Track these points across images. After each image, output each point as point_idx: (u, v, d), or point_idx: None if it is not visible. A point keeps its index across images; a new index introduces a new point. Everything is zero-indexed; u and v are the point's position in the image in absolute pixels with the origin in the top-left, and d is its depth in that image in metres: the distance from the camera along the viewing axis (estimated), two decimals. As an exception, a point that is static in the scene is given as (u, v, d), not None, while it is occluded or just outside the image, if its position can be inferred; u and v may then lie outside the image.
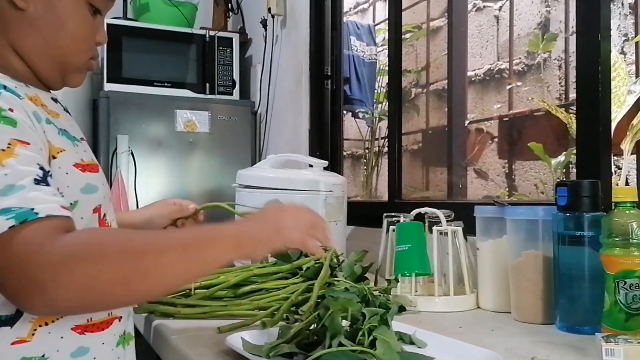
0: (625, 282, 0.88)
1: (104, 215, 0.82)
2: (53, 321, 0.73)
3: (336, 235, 1.48)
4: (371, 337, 0.77)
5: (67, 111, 0.85)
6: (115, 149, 2.22)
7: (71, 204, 0.74)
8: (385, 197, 1.80)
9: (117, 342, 0.81)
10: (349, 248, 1.57)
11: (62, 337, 0.74)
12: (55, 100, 0.83)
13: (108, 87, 2.30)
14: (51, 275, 0.60)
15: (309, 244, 0.76)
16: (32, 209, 0.62)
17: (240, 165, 1.85)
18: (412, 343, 0.87)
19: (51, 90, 0.84)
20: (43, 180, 0.66)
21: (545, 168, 1.58)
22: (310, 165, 1.53)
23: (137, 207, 2.17)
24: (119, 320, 0.82)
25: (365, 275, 1.29)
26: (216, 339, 0.89)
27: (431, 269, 1.16)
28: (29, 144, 0.68)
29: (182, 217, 1.10)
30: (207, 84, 2.47)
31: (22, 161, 0.65)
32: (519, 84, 1.94)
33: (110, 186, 2.16)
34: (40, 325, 0.72)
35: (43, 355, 0.72)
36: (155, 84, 2.39)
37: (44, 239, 0.61)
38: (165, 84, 2.41)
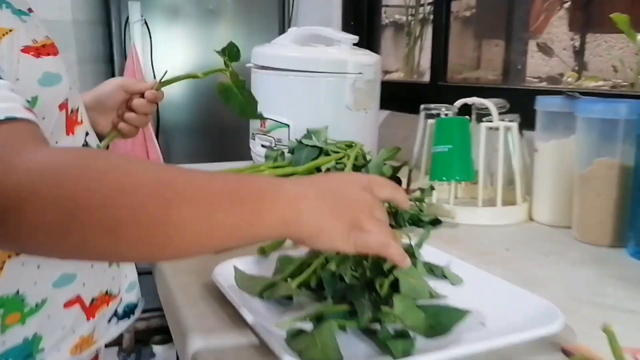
0: None
1: (72, 110, 0.65)
2: None
3: (367, 126, 1.27)
4: (392, 278, 0.61)
5: None
6: (127, 18, 1.99)
7: (28, 101, 0.56)
8: (428, 77, 1.55)
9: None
10: (381, 137, 1.37)
11: (38, 267, 0.61)
12: None
13: (115, -55, 2.02)
14: (15, 201, 0.39)
15: (391, 249, 0.49)
16: None
17: (268, 38, 1.60)
18: (444, 277, 0.70)
19: None
20: None
21: (626, 45, 1.29)
22: (340, 41, 1.28)
23: (155, 84, 1.99)
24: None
25: (397, 175, 1.11)
26: (206, 264, 0.75)
27: (475, 174, 0.96)
28: None
29: (136, 92, 0.88)
30: (227, -60, 2.14)
31: None
32: None
33: (125, 59, 1.97)
34: (9, 257, 0.59)
35: (17, 292, 0.59)
36: (168, -60, 2.09)
37: (5, 148, 0.43)
38: (180, -59, 2.10)
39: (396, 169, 1.09)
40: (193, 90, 2.07)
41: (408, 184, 1.08)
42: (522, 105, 1.05)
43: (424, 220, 0.91)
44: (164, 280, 0.72)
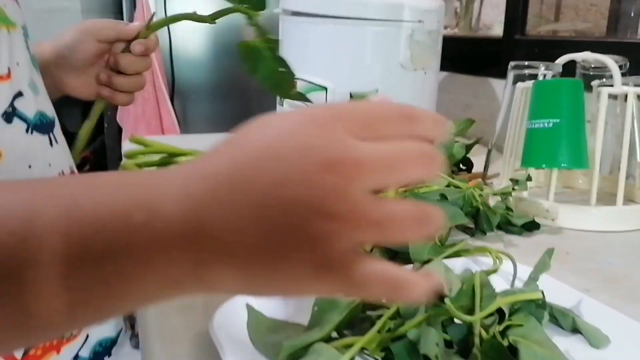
0: None
1: None
2: None
3: (425, 90, 1.00)
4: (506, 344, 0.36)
5: None
6: (138, -38, 1.73)
7: None
8: (495, 31, 1.26)
9: None
10: (440, 104, 1.10)
11: None
12: None
13: None
14: None
15: (406, 292, 0.23)
16: None
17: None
18: (575, 330, 0.45)
19: None
20: None
21: None
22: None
23: (170, 42, 1.74)
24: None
25: (468, 156, 0.85)
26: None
27: (590, 159, 0.69)
28: None
29: (113, 40, 0.61)
30: None
31: None
32: None
33: (134, 9, 1.72)
34: None
35: None
36: None
37: None
38: None
39: (469, 148, 0.83)
40: (213, 45, 1.81)
41: (485, 170, 0.82)
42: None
43: (515, 224, 0.66)
44: (143, 320, 0.48)
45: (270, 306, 0.46)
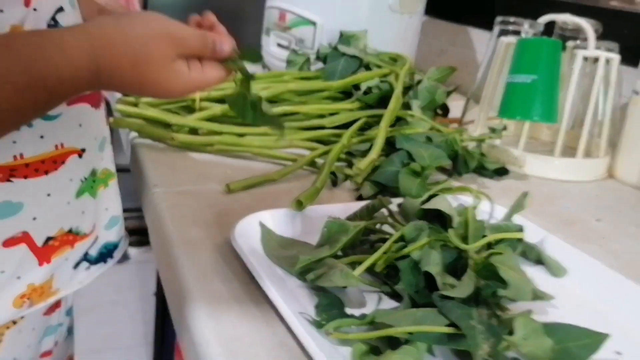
0: None
1: None
2: None
3: (408, 34, 1.04)
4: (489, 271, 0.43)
5: None
6: None
7: None
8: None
9: (79, 190, 0.51)
10: (419, 48, 1.14)
11: None
12: None
13: None
14: None
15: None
16: None
17: None
18: (539, 262, 0.52)
19: None
20: None
21: None
22: None
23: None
24: (80, 156, 0.50)
25: (446, 102, 0.90)
26: (221, 217, 0.56)
27: (559, 114, 0.76)
28: None
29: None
30: None
31: None
32: None
33: None
34: None
35: None
36: None
37: None
38: None
39: (448, 94, 0.88)
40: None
41: (462, 116, 0.88)
42: (617, 31, 0.83)
43: (488, 169, 0.72)
44: (162, 231, 0.52)
45: (280, 225, 0.51)
